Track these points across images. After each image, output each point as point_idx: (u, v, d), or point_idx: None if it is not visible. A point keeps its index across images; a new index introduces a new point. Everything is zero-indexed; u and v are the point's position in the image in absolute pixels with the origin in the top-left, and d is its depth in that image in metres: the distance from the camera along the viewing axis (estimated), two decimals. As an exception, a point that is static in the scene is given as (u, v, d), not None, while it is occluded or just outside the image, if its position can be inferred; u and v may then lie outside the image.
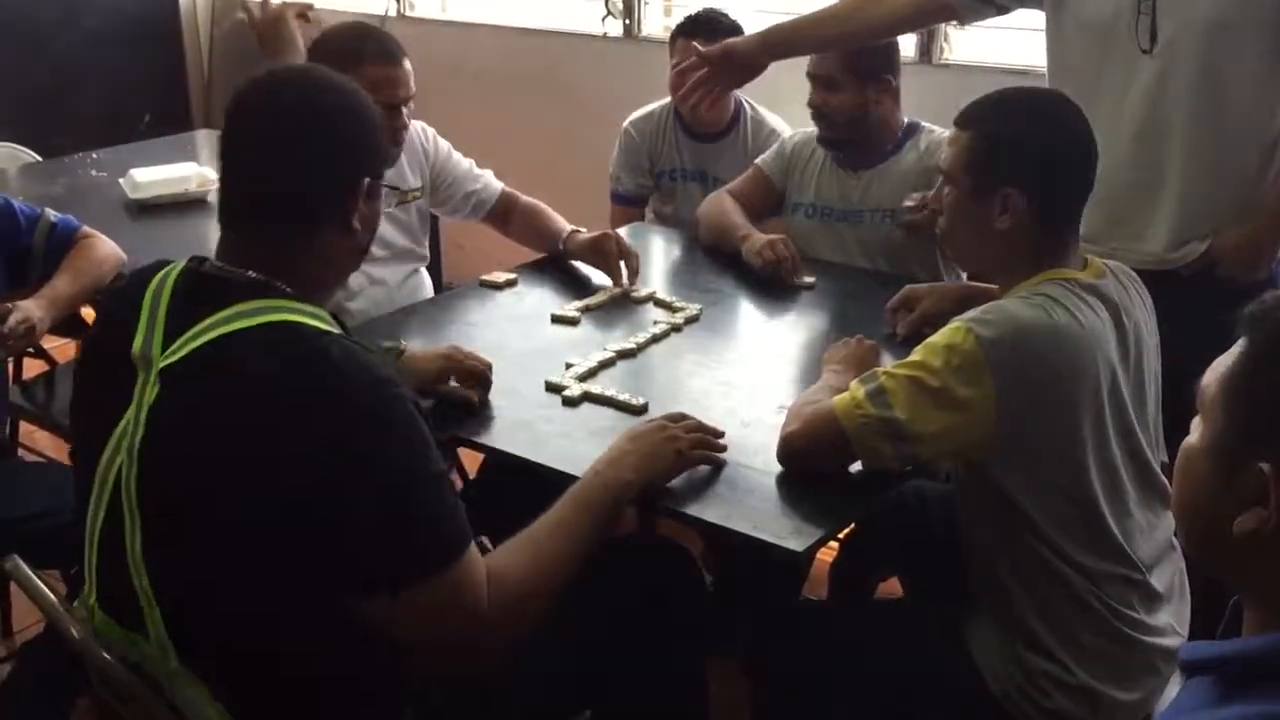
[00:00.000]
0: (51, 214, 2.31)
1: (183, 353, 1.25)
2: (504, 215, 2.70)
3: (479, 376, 1.87)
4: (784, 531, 1.56)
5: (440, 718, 1.51)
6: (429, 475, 1.26)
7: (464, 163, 2.69)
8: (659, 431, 1.62)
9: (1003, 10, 2.31)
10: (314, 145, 1.34)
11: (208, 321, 1.26)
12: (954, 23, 3.08)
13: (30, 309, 2.12)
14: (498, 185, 2.70)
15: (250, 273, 1.31)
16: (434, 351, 1.89)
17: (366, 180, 1.37)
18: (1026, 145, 1.65)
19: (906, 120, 2.67)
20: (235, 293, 1.28)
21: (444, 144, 2.67)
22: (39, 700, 1.90)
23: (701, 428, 1.68)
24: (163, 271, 1.36)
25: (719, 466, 1.68)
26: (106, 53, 4.51)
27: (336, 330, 1.31)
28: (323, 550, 1.22)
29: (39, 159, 3.37)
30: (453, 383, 1.86)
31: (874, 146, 2.64)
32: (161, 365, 1.26)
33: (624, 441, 1.60)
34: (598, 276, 2.49)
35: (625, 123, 3.22)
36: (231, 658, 1.28)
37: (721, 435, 1.70)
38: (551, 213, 2.67)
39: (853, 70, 2.55)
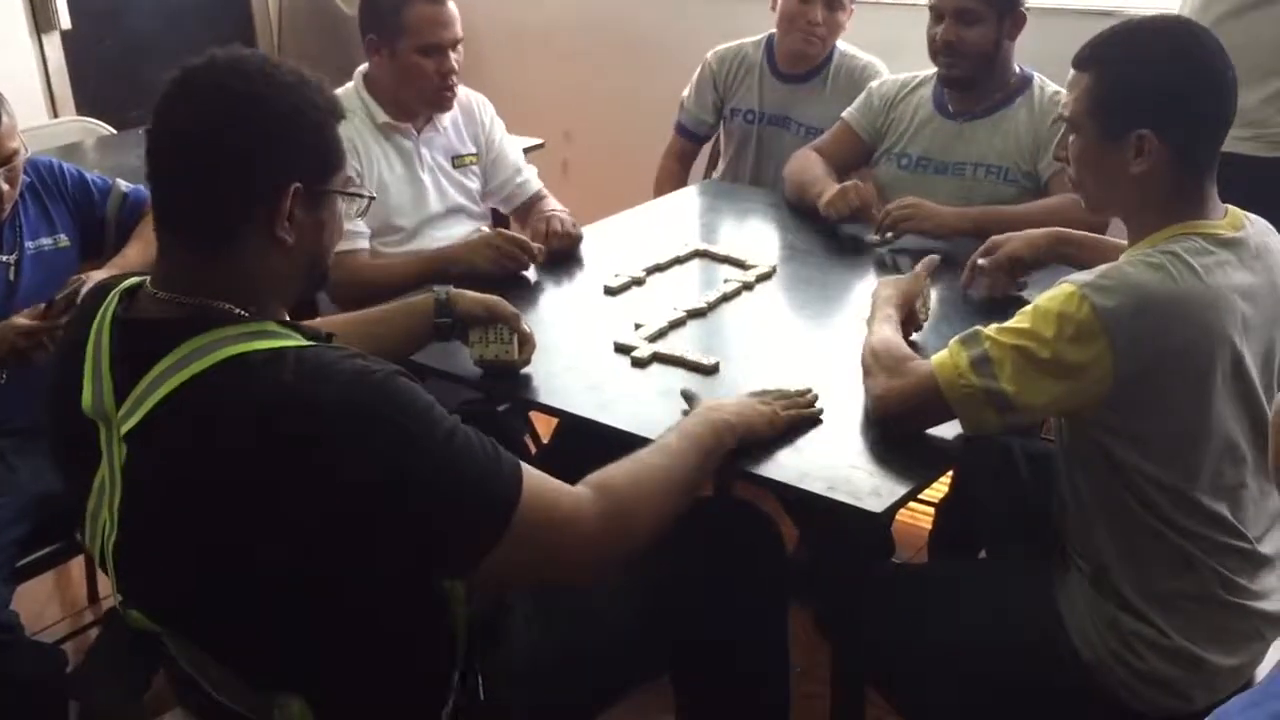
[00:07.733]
0: (123, 185, 2.31)
1: (141, 413, 1.15)
2: (527, 212, 2.65)
3: (514, 320, 1.81)
4: (862, 492, 1.51)
5: (519, 681, 1.49)
6: (440, 445, 1.16)
7: (513, 152, 2.68)
8: (747, 397, 1.64)
9: None
10: (210, 147, 1.18)
11: (157, 371, 1.15)
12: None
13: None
14: (537, 184, 2.68)
15: (183, 300, 1.20)
16: (480, 296, 1.82)
17: (296, 186, 1.20)
18: (1159, 82, 1.53)
19: (1019, 70, 2.53)
20: (175, 333, 1.17)
21: (501, 126, 2.67)
22: (124, 664, 1.93)
23: (786, 395, 1.68)
24: (102, 308, 1.25)
25: (813, 424, 1.67)
26: (178, 27, 4.53)
27: (289, 341, 1.19)
28: (363, 576, 1.16)
29: (113, 131, 3.39)
30: (489, 339, 1.81)
31: (988, 92, 2.52)
32: (124, 430, 1.17)
33: (712, 400, 1.60)
34: (663, 237, 2.44)
35: (709, 52, 3.11)
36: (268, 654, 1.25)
37: (809, 393, 1.70)
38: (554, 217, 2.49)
39: (992, 1, 2.42)
